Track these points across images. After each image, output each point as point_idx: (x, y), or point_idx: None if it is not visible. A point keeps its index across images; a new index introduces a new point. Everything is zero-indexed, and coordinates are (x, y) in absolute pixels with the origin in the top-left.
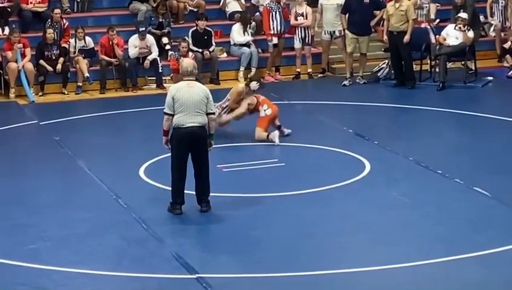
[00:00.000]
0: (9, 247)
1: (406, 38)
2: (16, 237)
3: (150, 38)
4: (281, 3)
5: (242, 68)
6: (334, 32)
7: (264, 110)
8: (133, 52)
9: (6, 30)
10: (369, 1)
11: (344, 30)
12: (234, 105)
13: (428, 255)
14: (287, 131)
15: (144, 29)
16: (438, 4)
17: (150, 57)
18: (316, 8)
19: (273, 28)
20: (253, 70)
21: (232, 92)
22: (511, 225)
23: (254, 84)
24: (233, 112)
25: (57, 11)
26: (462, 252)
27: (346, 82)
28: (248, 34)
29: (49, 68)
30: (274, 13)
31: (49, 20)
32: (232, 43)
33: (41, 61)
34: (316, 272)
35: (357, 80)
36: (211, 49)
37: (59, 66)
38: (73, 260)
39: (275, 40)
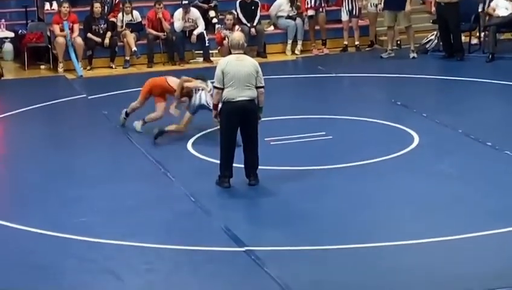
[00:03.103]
0: (60, 220)
1: None
2: (66, 210)
3: (195, 12)
4: None
5: (289, 41)
6: (377, 5)
7: None
8: (177, 25)
9: (55, 5)
10: None
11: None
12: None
13: (478, 227)
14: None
15: (186, 2)
16: None
17: (196, 31)
18: None
19: (309, 1)
20: (299, 43)
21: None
22: None
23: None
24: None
25: None
26: (510, 225)
27: (384, 54)
28: (293, 8)
29: (97, 39)
30: None
31: None
32: (274, 14)
33: (89, 35)
34: (364, 245)
35: (409, 54)
36: (255, 22)
37: (107, 41)
38: (122, 233)
39: (311, 13)
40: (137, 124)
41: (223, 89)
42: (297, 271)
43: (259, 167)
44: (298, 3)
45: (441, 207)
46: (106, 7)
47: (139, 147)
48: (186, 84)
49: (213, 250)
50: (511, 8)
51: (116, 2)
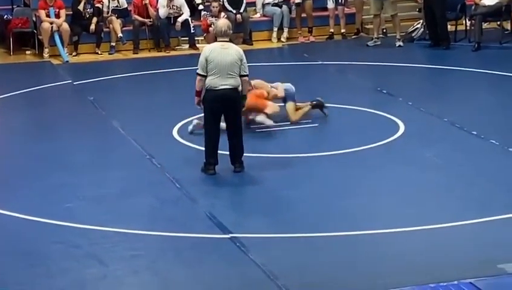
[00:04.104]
0: (46, 206)
1: None
2: (52, 196)
3: None
4: None
5: (275, 29)
6: None
7: None
8: (162, 12)
9: None
10: None
11: None
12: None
13: (462, 216)
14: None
15: None
16: None
17: (181, 19)
18: None
19: None
20: (285, 30)
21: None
22: None
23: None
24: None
25: None
26: (496, 213)
27: (370, 42)
28: None
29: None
30: None
31: None
32: (260, 2)
33: (75, 21)
34: (348, 232)
35: (395, 42)
36: (242, 9)
37: (92, 26)
38: (107, 219)
39: (298, 0)
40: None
41: (206, 76)
42: (282, 258)
43: (245, 154)
44: None
45: (425, 195)
46: None
47: (124, 134)
48: (277, 94)
49: (198, 237)
50: None
51: None
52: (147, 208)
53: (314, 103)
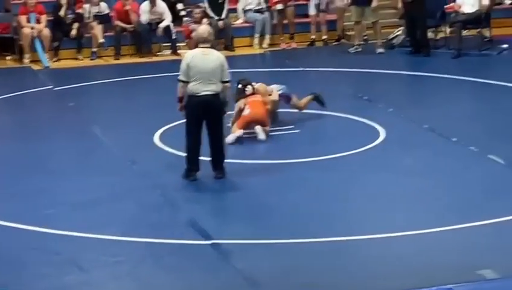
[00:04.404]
0: (25, 212)
1: None
2: (32, 202)
3: (162, 5)
4: None
5: (256, 35)
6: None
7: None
8: (144, 18)
9: None
10: None
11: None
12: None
13: (442, 222)
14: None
15: None
16: None
17: (162, 24)
18: None
19: None
20: (267, 37)
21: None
22: None
23: (250, 88)
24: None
25: None
26: (475, 219)
27: (351, 49)
28: (260, 1)
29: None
30: None
31: None
32: (241, 8)
33: (56, 27)
34: (329, 238)
35: (376, 49)
36: (224, 15)
37: (74, 32)
38: (88, 225)
39: (279, 7)
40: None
41: (188, 83)
42: (264, 264)
43: (226, 160)
44: None
45: (405, 202)
46: None
47: (105, 139)
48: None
49: (179, 243)
50: (477, 5)
51: None
52: (127, 214)
53: (314, 95)
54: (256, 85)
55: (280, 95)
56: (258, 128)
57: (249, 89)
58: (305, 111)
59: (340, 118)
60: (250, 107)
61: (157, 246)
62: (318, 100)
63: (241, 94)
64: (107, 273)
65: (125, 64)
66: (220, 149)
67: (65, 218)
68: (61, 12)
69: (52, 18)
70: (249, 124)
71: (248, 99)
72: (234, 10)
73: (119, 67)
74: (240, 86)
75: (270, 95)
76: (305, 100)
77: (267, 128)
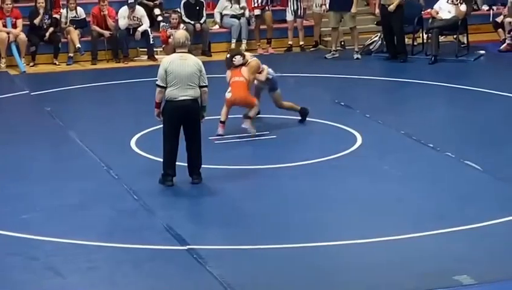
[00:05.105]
0: (1, 217)
1: (391, 7)
2: (8, 207)
3: (140, 10)
4: None
5: (233, 40)
6: (322, 5)
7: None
8: (122, 23)
9: None
10: None
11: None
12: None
13: (419, 228)
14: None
15: (132, 1)
16: None
17: (141, 29)
18: None
19: (255, 0)
20: (244, 42)
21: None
22: (501, 199)
23: (238, 58)
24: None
25: None
26: (452, 225)
27: (328, 55)
28: (238, 6)
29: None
30: None
31: None
32: (217, 14)
33: (32, 32)
34: (306, 244)
35: (353, 55)
36: (201, 21)
37: (47, 36)
38: (64, 231)
39: (257, 12)
40: (251, 129)
41: (165, 88)
42: (240, 270)
43: (203, 166)
44: (244, 4)
45: (383, 207)
46: (49, 3)
47: (82, 144)
48: (259, 78)
49: (155, 248)
50: (454, 11)
51: None
52: (104, 220)
53: (303, 108)
54: (250, 59)
55: (268, 79)
56: (246, 124)
57: (236, 59)
58: (282, 116)
59: (317, 124)
60: (232, 89)
61: (133, 252)
62: (302, 114)
63: (229, 64)
64: (84, 279)
65: (102, 70)
66: (197, 154)
67: (41, 223)
68: (37, 21)
69: (28, 23)
70: (233, 105)
71: (233, 77)
72: (211, 15)
73: (96, 73)
74: (228, 55)
75: (260, 73)
76: (289, 104)
77: (255, 109)
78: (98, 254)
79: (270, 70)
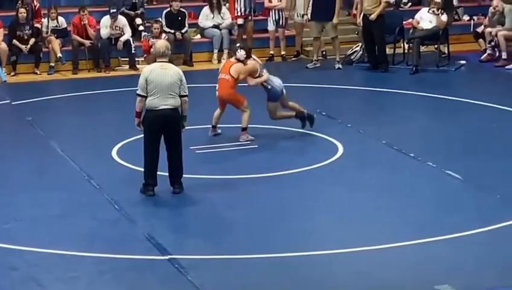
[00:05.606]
0: None
1: (373, 16)
2: None
3: (122, 20)
4: None
5: (215, 50)
6: (304, 15)
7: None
8: (104, 32)
9: None
10: None
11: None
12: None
13: (400, 237)
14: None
15: (115, 10)
16: None
17: (123, 38)
18: None
19: (238, 10)
20: (225, 51)
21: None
22: (481, 209)
23: (241, 53)
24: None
25: None
26: (433, 235)
27: (309, 64)
28: (220, 16)
29: (21, 46)
30: None
31: (21, 0)
32: (201, 25)
33: (14, 41)
34: (288, 254)
35: (335, 65)
36: (183, 31)
37: (29, 46)
38: (45, 241)
39: (240, 21)
40: (245, 137)
41: (146, 97)
42: (221, 280)
43: (184, 176)
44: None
45: (364, 217)
46: (30, 13)
47: (63, 154)
48: (249, 81)
49: (137, 258)
50: (435, 21)
51: (36, 8)
52: (85, 229)
53: (299, 114)
54: (250, 62)
55: (266, 87)
56: (243, 137)
57: (239, 52)
58: (264, 126)
59: (299, 134)
60: (218, 86)
61: (114, 262)
62: (301, 119)
63: (233, 54)
64: (64, 289)
65: (83, 79)
66: (178, 164)
67: (22, 233)
68: (18, 31)
69: (8, 32)
70: (223, 103)
71: (220, 73)
72: (193, 25)
73: (77, 82)
74: (237, 44)
75: (257, 77)
76: (283, 114)
77: (246, 116)
78: (79, 264)
79: (276, 81)
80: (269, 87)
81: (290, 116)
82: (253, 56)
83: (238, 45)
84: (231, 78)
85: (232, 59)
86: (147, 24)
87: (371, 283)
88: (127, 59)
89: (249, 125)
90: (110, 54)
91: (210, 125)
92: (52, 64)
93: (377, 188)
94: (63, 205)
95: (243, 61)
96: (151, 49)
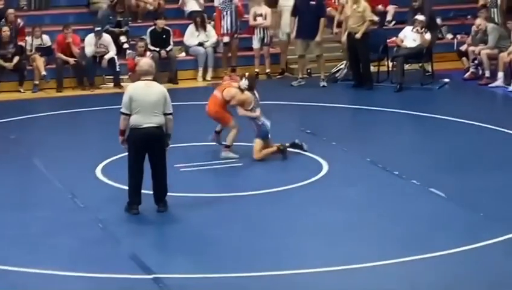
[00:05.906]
0: None
1: (358, 35)
2: None
3: (107, 37)
4: (233, 2)
5: (200, 68)
6: (289, 34)
7: None
8: (89, 50)
9: None
10: (315, 3)
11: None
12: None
13: (384, 256)
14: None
15: (99, 28)
16: (395, 6)
17: (107, 56)
18: (275, 9)
19: (224, 28)
20: (210, 70)
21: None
22: (465, 227)
23: (243, 82)
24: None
25: (11, 11)
26: (417, 253)
27: (294, 82)
28: (206, 34)
29: (6, 64)
30: (225, 12)
31: (4, 18)
32: (186, 43)
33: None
34: (272, 272)
35: (320, 83)
36: (168, 49)
37: (12, 64)
38: (28, 260)
39: (226, 39)
40: (226, 154)
41: (130, 115)
42: None
43: (169, 194)
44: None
45: (348, 235)
46: (12, 31)
47: (47, 173)
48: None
49: (121, 277)
50: (419, 40)
51: (20, 27)
52: (69, 249)
53: (282, 147)
54: (247, 92)
55: (256, 123)
56: (225, 154)
57: (243, 81)
58: (248, 144)
59: None
60: (208, 102)
61: (98, 281)
62: (282, 153)
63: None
64: None
65: (68, 97)
66: (162, 182)
67: (5, 252)
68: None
69: None
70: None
71: (215, 90)
72: (178, 43)
73: (62, 100)
74: (246, 73)
75: (247, 110)
76: (265, 151)
77: (231, 135)
78: (62, 283)
79: (266, 121)
80: (260, 123)
81: (272, 151)
82: (255, 91)
83: (246, 74)
84: (222, 98)
85: (235, 83)
86: (131, 42)
87: None
88: (112, 77)
89: (234, 144)
90: (94, 72)
91: (193, 143)
92: (37, 82)
93: (361, 206)
94: (46, 224)
95: (242, 90)
96: (136, 67)
